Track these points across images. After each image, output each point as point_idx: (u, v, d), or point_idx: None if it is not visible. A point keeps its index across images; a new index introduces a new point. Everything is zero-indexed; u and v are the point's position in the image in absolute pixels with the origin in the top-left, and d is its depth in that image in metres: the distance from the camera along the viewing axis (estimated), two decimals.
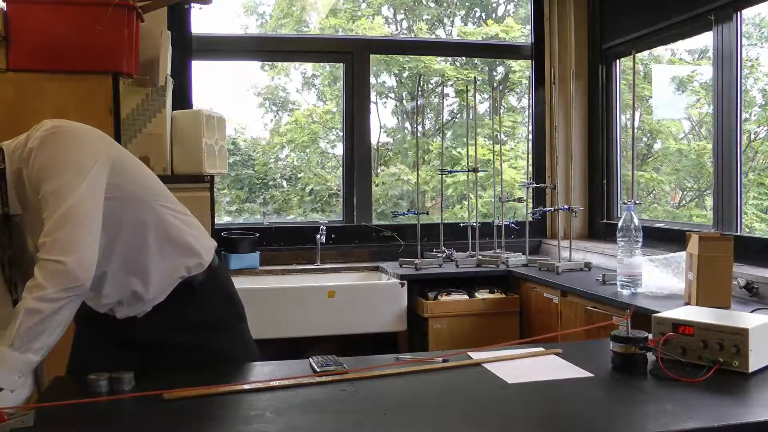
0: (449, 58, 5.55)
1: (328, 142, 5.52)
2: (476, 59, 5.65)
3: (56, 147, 1.55)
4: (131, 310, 1.70)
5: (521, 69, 5.43)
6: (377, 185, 5.32)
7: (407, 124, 6.13)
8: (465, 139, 4.25)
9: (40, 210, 1.52)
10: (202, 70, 3.95)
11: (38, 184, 1.52)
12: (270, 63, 5.37)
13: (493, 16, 6.26)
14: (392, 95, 5.99)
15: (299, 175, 5.46)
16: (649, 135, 5.27)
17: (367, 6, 5.98)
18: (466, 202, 4.32)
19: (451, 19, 6.32)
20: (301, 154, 5.58)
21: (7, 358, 1.40)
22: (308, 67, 5.69)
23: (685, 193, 5.28)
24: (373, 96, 5.46)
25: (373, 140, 5.49)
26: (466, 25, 6.32)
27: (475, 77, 4.34)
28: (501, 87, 5.58)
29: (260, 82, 5.74)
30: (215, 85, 4.43)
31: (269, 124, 5.83)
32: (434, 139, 5.58)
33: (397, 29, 6.15)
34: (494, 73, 5.66)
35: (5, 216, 1.60)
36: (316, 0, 5.76)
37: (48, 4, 2.95)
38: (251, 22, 6.03)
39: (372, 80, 5.29)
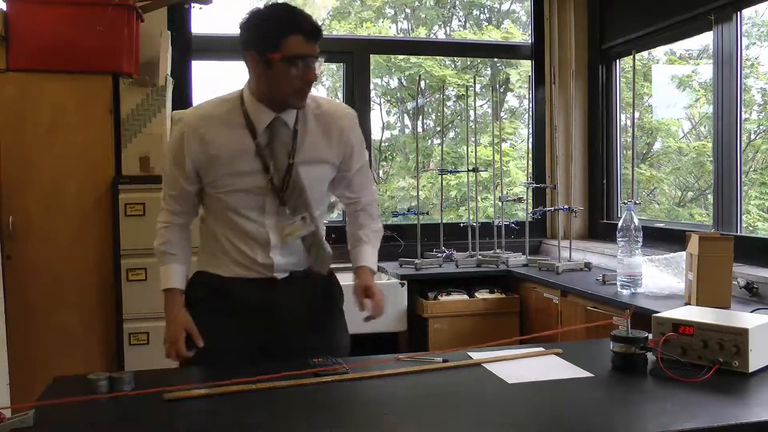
0: (451, 64, 5.55)
1: None
2: (478, 62, 5.65)
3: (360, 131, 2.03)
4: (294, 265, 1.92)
5: (520, 78, 5.44)
6: (388, 198, 5.33)
7: (408, 123, 6.13)
8: (467, 141, 4.24)
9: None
10: (202, 70, 3.95)
11: (351, 153, 1.97)
12: None
13: (493, 20, 6.27)
14: (395, 98, 5.99)
15: None
16: (649, 134, 5.27)
17: (369, 9, 5.98)
18: (468, 206, 4.30)
19: (449, 23, 6.32)
20: None
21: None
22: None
23: (684, 193, 5.27)
24: (375, 97, 5.46)
25: (376, 139, 5.50)
26: (465, 28, 6.33)
27: (475, 77, 4.34)
28: (502, 89, 5.58)
29: None
30: (215, 85, 4.43)
31: None
32: (435, 141, 5.58)
33: (398, 31, 6.16)
34: (496, 75, 5.66)
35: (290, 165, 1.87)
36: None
37: (48, 4, 2.95)
38: None
39: (377, 81, 5.30)
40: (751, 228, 4.00)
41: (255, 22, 1.80)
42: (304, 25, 1.77)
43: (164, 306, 1.89)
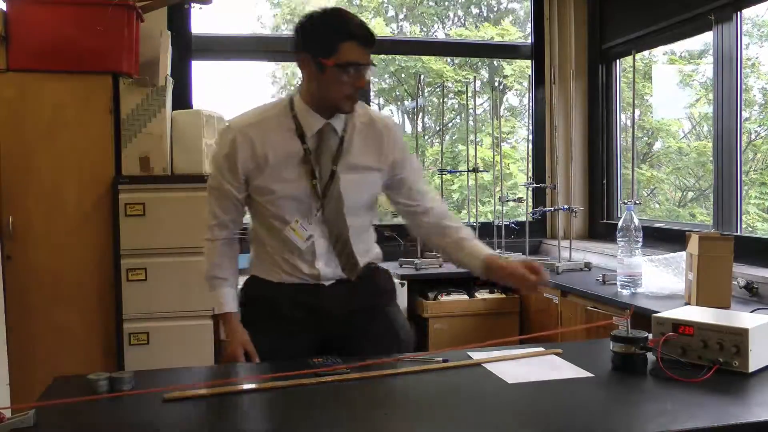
0: (449, 60, 5.55)
1: None
2: (476, 60, 5.65)
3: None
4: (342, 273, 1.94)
5: (514, 73, 5.42)
6: None
7: (407, 124, 6.12)
8: (467, 140, 4.24)
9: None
10: (202, 70, 3.95)
11: (402, 159, 1.97)
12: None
13: (492, 16, 6.26)
14: (392, 96, 5.99)
15: None
16: (650, 134, 5.27)
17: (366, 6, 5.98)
18: (468, 206, 4.30)
19: (446, 21, 6.31)
20: None
21: None
22: None
23: (684, 192, 5.27)
24: (374, 97, 5.45)
25: None
26: (464, 26, 6.33)
27: (474, 78, 4.34)
28: (502, 86, 5.58)
29: (277, 74, 5.71)
30: (215, 85, 4.44)
31: None
32: (431, 140, 5.57)
33: (397, 29, 6.15)
34: (494, 72, 5.65)
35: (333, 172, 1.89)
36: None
37: (48, 4, 2.95)
38: (253, 23, 6.03)
39: (374, 79, 5.28)
40: (750, 228, 4.00)
41: (311, 26, 1.81)
42: (359, 32, 1.79)
43: (222, 327, 1.93)
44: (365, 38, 1.79)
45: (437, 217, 1.98)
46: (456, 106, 5.72)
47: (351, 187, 1.89)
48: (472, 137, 4.08)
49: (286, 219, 1.88)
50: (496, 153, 4.14)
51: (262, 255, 1.97)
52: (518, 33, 5.60)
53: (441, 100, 4.42)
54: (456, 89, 5.42)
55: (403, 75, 5.82)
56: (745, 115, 3.24)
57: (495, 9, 6.35)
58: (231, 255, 1.97)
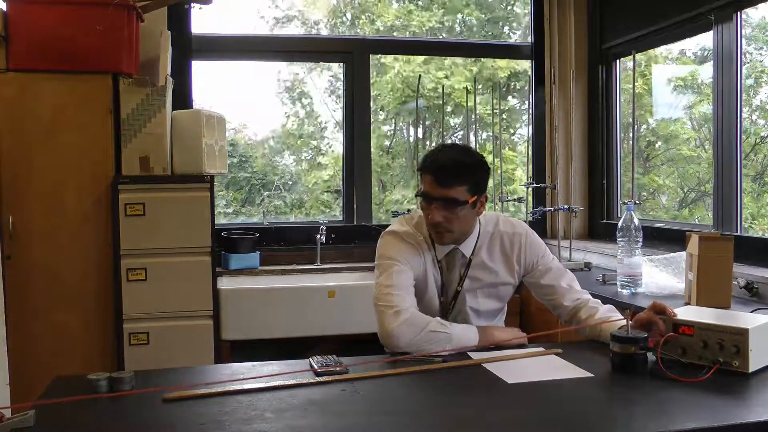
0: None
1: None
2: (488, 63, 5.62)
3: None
4: None
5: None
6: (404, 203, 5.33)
7: (417, 129, 6.07)
8: (467, 138, 4.23)
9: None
10: (202, 70, 3.95)
11: (533, 264, 2.11)
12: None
13: (494, 14, 6.24)
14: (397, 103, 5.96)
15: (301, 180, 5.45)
16: (655, 137, 5.24)
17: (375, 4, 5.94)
18: None
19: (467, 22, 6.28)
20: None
21: None
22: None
23: (687, 193, 5.26)
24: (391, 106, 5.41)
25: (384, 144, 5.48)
26: (466, 23, 6.31)
27: (475, 78, 4.33)
28: (504, 88, 5.57)
29: (282, 75, 5.68)
30: (215, 85, 4.43)
31: (288, 121, 5.75)
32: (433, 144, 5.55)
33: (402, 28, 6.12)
34: (498, 77, 5.63)
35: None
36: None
37: (48, 4, 2.95)
38: (254, 22, 6.02)
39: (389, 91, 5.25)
40: (766, 234, 3.93)
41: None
42: (429, 165, 1.92)
43: (490, 339, 1.93)
44: (434, 171, 1.89)
45: (572, 311, 2.07)
46: (461, 119, 5.68)
47: (477, 299, 2.09)
48: (471, 136, 4.08)
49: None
50: (496, 157, 4.14)
51: None
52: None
53: (442, 103, 4.42)
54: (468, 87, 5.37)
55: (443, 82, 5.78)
56: (754, 118, 3.22)
57: (497, 11, 6.32)
58: None
